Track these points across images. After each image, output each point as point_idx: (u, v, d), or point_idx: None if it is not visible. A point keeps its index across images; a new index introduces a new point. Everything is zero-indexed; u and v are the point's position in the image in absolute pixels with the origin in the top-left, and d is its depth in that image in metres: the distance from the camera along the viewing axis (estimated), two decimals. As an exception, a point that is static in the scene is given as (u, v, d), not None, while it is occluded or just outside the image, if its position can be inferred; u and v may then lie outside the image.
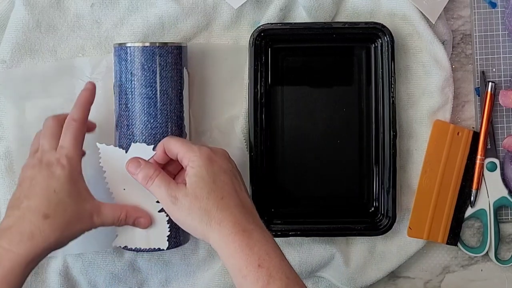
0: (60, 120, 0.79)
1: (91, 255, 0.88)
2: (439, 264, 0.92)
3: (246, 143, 0.87)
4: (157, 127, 0.81)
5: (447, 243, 0.90)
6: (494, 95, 0.89)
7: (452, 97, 0.89)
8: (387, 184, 0.86)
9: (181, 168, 0.79)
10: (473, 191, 0.89)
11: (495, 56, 0.90)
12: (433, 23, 0.87)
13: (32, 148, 0.80)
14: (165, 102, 0.81)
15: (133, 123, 0.81)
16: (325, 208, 0.90)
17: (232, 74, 0.88)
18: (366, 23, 0.86)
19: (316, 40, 0.88)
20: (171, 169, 0.80)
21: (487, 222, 0.90)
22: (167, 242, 0.81)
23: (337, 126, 0.89)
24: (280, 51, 0.88)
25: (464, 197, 0.90)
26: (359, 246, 0.90)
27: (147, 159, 0.78)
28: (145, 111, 0.81)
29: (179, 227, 0.75)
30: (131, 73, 0.81)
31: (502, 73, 0.90)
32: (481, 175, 0.89)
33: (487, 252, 0.90)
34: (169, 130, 0.82)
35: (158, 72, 0.81)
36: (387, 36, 0.86)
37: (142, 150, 0.79)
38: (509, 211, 0.91)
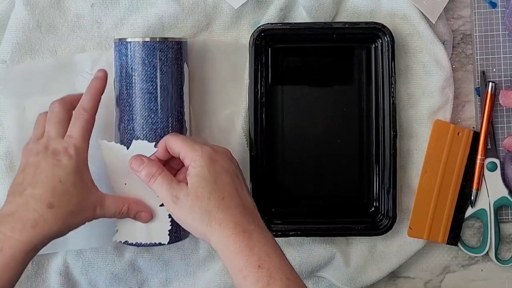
0: (66, 105, 0.78)
1: (91, 255, 0.88)
2: (439, 264, 0.92)
3: (246, 139, 0.87)
4: (157, 122, 0.81)
5: (447, 243, 0.90)
6: (494, 95, 0.89)
7: (452, 97, 0.89)
8: (387, 184, 0.86)
9: (183, 164, 0.79)
10: (474, 191, 0.89)
11: (495, 56, 0.90)
12: (433, 23, 0.87)
13: (35, 132, 0.79)
14: (166, 97, 0.81)
15: (133, 118, 0.81)
16: (325, 208, 0.90)
17: (232, 71, 0.88)
18: (366, 23, 0.86)
19: (316, 40, 0.88)
20: (173, 164, 0.80)
21: (487, 222, 0.90)
22: (168, 237, 0.81)
23: (337, 126, 0.89)
24: (280, 51, 0.88)
25: (465, 197, 0.90)
26: (359, 246, 0.90)
27: (148, 156, 0.78)
28: (146, 106, 0.81)
29: None
30: (131, 68, 0.81)
31: (502, 73, 0.90)
32: (482, 175, 0.89)
33: (487, 252, 0.90)
34: (170, 125, 0.82)
35: (158, 67, 0.81)
36: (387, 36, 0.86)
37: (143, 147, 0.79)
38: (509, 211, 0.91)
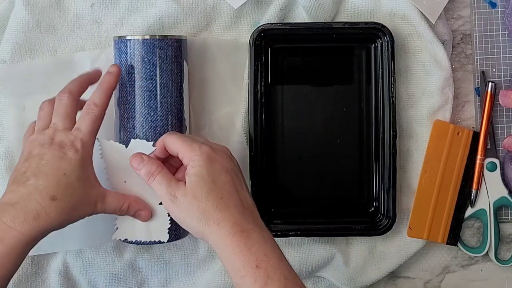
0: (75, 98, 0.78)
1: (91, 255, 0.88)
2: (439, 264, 0.92)
3: (246, 137, 0.87)
4: (157, 120, 0.81)
5: (447, 243, 0.90)
6: (494, 95, 0.89)
7: (452, 97, 0.89)
8: (387, 184, 0.86)
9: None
10: (473, 191, 0.89)
11: (495, 56, 0.90)
12: (433, 23, 0.87)
13: (40, 123, 0.78)
14: (165, 95, 0.81)
15: (133, 116, 0.81)
16: (325, 208, 0.90)
17: (232, 70, 0.88)
18: (366, 23, 0.86)
19: (316, 40, 0.88)
20: (173, 162, 0.80)
21: (487, 222, 0.90)
22: (168, 235, 0.81)
23: (337, 126, 0.89)
24: (280, 51, 0.88)
25: (464, 197, 0.90)
26: (359, 246, 0.90)
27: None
28: (146, 104, 0.81)
29: None
30: (131, 66, 0.81)
31: (502, 73, 0.90)
32: (481, 175, 0.89)
33: (487, 252, 0.90)
34: (170, 123, 0.82)
35: (158, 65, 0.81)
36: (387, 36, 0.86)
37: (142, 146, 0.79)
38: (509, 211, 0.91)
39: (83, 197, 0.75)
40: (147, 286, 0.90)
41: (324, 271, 0.90)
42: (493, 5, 0.90)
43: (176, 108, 0.82)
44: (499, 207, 0.90)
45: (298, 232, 0.87)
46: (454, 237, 0.90)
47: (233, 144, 0.87)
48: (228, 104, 0.89)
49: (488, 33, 0.90)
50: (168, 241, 0.81)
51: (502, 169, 0.90)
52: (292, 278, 0.69)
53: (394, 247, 0.90)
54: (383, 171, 0.87)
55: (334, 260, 0.89)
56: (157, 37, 0.81)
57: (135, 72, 0.81)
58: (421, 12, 0.87)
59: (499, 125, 0.90)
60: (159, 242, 0.81)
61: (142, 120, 0.81)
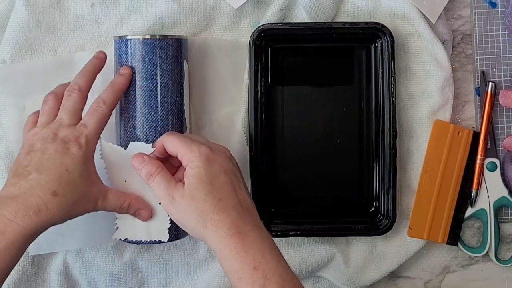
0: (84, 95, 0.78)
1: (91, 254, 0.88)
2: (439, 264, 0.92)
3: (246, 137, 0.87)
4: (157, 119, 0.81)
5: (447, 243, 0.90)
6: (494, 95, 0.89)
7: (452, 97, 0.89)
8: (387, 184, 0.86)
9: None
10: (473, 191, 0.89)
11: (495, 56, 0.90)
12: (433, 23, 0.87)
13: (44, 117, 0.78)
14: (166, 95, 0.82)
15: (134, 116, 0.81)
16: (325, 208, 0.90)
17: (232, 70, 0.88)
18: (366, 23, 0.86)
19: (316, 40, 0.88)
20: (173, 162, 0.80)
21: (487, 222, 0.90)
22: (168, 235, 0.81)
23: (337, 126, 0.89)
24: (280, 51, 0.88)
25: (464, 197, 0.90)
26: (359, 246, 0.90)
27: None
28: (146, 104, 0.81)
29: None
30: (131, 65, 0.81)
31: (502, 73, 0.90)
32: (481, 175, 0.89)
33: (487, 252, 0.90)
34: (170, 122, 0.82)
35: (158, 64, 0.81)
36: (387, 36, 0.86)
37: (140, 148, 0.79)
38: (509, 211, 0.91)
39: (85, 193, 0.75)
40: (147, 286, 0.90)
41: (324, 271, 0.90)
42: (493, 5, 0.90)
43: (176, 107, 0.82)
44: (499, 207, 0.90)
45: (298, 232, 0.87)
46: (454, 237, 0.90)
47: (233, 144, 0.87)
48: (228, 104, 0.89)
49: (488, 33, 0.90)
50: (168, 241, 0.81)
51: (502, 169, 0.90)
52: (290, 279, 0.69)
53: (394, 247, 0.90)
54: (383, 171, 0.87)
55: (334, 260, 0.89)
56: (158, 37, 0.81)
57: (136, 72, 0.81)
58: (421, 12, 0.87)
59: (499, 125, 0.90)
60: (159, 242, 0.81)
61: (143, 120, 0.81)
